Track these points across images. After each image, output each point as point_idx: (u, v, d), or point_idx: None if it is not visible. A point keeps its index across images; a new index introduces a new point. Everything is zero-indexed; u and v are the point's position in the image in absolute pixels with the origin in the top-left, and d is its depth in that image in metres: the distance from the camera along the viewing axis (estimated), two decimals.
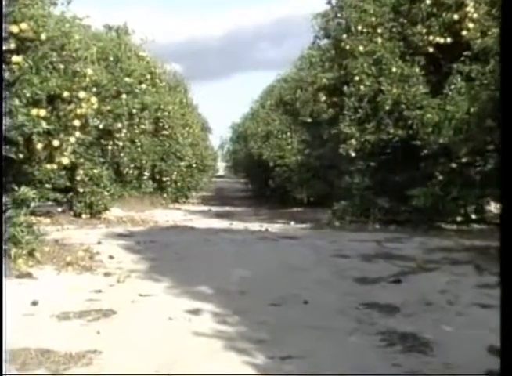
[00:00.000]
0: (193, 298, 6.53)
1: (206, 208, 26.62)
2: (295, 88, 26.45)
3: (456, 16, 13.84)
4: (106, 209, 16.19)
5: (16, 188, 8.52)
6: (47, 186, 13.41)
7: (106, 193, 16.00)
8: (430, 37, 14.21)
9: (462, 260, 9.08)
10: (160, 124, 25.34)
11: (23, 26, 9.47)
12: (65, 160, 11.84)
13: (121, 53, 19.69)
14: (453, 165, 12.82)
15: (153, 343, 5.00)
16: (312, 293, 6.89)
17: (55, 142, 11.35)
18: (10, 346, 4.60)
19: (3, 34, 8.58)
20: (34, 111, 9.41)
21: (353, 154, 15.07)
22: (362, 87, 15.01)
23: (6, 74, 8.80)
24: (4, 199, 7.79)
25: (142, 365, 4.48)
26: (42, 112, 9.66)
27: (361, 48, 15.21)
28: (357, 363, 4.61)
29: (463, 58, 13.22)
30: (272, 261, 9.38)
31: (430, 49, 14.27)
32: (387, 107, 14.52)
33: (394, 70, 14.59)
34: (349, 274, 8.15)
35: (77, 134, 12.46)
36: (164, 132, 25.75)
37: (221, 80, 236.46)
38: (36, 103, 9.88)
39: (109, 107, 16.46)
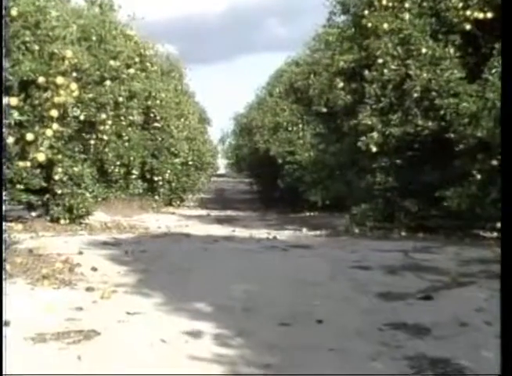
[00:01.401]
0: (190, 317, 6.53)
1: (204, 213, 26.66)
2: (308, 73, 26.48)
3: None
4: (88, 213, 16.21)
5: None
6: (19, 186, 13.46)
7: (88, 195, 16.02)
8: (468, 13, 14.14)
9: None
10: (151, 115, 25.40)
11: None
12: (40, 157, 11.89)
13: (106, 32, 19.74)
14: (494, 162, 12.78)
15: (143, 369, 5.01)
16: (328, 311, 6.89)
17: (29, 136, 11.40)
18: None
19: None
20: (5, 100, 9.44)
21: (375, 150, 15.07)
22: (386, 71, 15.01)
23: None
24: None
25: None
26: (14, 100, 9.70)
27: (385, 25, 15.21)
28: None
29: None
30: (281, 273, 9.38)
31: (468, 26, 14.23)
32: (416, 95, 14.50)
33: (424, 51, 14.58)
34: (371, 289, 8.15)
35: (55, 126, 12.51)
36: (156, 124, 25.80)
37: (222, 63, 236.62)
38: (6, 90, 9.91)
39: (91, 95, 16.50)
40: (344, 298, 7.67)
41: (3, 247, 7.48)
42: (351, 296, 7.80)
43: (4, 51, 8.81)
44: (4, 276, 7.99)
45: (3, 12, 8.32)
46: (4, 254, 8.22)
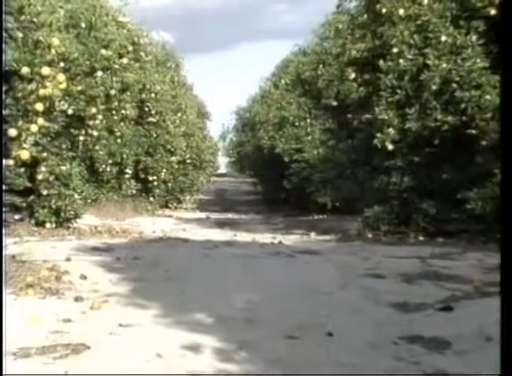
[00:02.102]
0: (188, 329, 6.52)
1: (203, 215, 26.67)
2: (317, 63, 26.47)
3: None
4: (76, 216, 16.21)
5: None
6: (1, 187, 13.44)
7: (76, 197, 16.02)
8: None
9: None
10: (146, 109, 25.42)
11: None
12: (24, 155, 11.90)
13: (96, 18, 19.72)
14: None
15: None
16: (338, 322, 6.88)
17: (12, 132, 11.41)
18: None
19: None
20: None
21: (390, 147, 15.06)
22: (401, 61, 15.00)
23: None
24: None
25: None
26: None
27: (401, 11, 15.19)
28: None
29: None
30: (288, 282, 9.38)
31: (492, 11, 14.19)
32: (434, 87, 14.48)
33: (443, 38, 14.56)
34: (385, 299, 8.14)
35: (40, 121, 12.52)
36: (151, 119, 25.81)
37: (223, 52, 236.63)
38: None
39: (80, 87, 16.50)
40: (355, 308, 7.66)
41: (3, 248, 7.54)
42: (363, 307, 7.79)
43: (4, 49, 8.87)
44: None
45: (3, 12, 8.40)
46: (4, 254, 8.26)
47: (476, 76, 13.99)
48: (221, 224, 21.91)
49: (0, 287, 6.26)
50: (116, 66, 19.95)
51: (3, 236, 7.47)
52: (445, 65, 14.35)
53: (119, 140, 23.01)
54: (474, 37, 14.38)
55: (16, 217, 15.73)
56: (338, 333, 6.48)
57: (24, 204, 15.50)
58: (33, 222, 15.59)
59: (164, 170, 26.63)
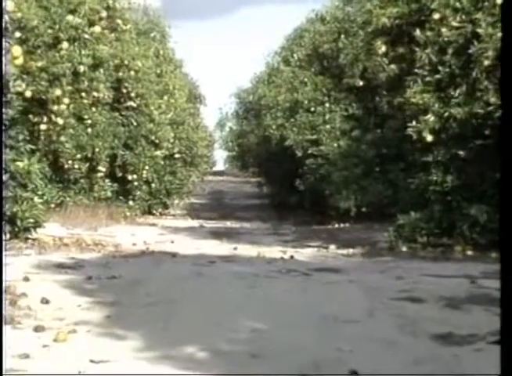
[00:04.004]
0: (177, 366, 6.52)
1: (196, 224, 26.65)
2: (338, 33, 26.48)
3: None
4: (37, 225, 16.22)
5: None
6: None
7: (37, 200, 16.03)
8: None
9: None
10: (124, 91, 25.40)
11: None
12: None
13: None
14: None
15: None
16: (364, 358, 6.89)
17: None
18: None
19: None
20: None
21: (429, 138, 15.04)
22: (444, 30, 14.97)
23: None
24: None
25: None
26: None
27: None
28: None
29: None
30: (301, 307, 9.39)
31: None
32: (487, 62, 14.45)
33: (499, 0, 14.52)
34: (424, 329, 8.14)
35: None
36: (130, 104, 25.80)
37: (220, 19, 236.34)
38: None
39: (41, 63, 16.52)
40: (386, 340, 7.65)
41: (3, 249, 7.63)
42: (396, 338, 7.78)
43: (4, 50, 9.00)
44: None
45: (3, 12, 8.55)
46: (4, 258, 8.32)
47: None
48: (218, 234, 21.89)
49: (0, 284, 6.58)
50: (86, 36, 19.96)
51: (3, 245, 7.59)
52: (500, 35, 14.32)
53: (90, 130, 23.00)
54: None
55: None
56: (364, 371, 6.47)
57: None
58: None
59: (147, 167, 26.61)
